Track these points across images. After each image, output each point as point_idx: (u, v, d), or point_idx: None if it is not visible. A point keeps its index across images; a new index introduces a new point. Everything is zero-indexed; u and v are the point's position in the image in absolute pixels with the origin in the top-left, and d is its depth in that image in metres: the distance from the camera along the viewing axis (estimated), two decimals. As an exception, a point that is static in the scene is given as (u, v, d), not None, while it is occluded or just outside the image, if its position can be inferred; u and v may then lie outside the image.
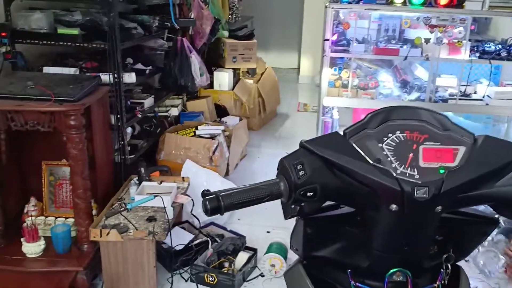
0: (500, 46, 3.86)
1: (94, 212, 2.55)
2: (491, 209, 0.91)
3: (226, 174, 3.66)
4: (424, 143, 0.88)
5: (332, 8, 3.85)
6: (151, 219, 2.37)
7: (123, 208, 2.35)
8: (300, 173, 0.84)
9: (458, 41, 3.74)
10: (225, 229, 2.89)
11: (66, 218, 2.62)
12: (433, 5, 3.74)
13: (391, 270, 0.91)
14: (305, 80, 7.43)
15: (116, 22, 2.61)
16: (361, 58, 4.09)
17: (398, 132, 0.89)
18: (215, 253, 2.54)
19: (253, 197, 0.85)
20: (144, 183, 2.67)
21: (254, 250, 2.64)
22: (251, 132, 4.66)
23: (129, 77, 2.81)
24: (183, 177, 2.89)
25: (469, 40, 3.83)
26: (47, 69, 2.73)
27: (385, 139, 0.89)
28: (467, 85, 3.94)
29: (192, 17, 3.86)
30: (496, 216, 0.95)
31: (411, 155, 0.86)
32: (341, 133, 0.92)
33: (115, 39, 2.60)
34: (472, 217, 0.96)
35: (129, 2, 2.97)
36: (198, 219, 2.85)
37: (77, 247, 2.42)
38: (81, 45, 2.68)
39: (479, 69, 4.10)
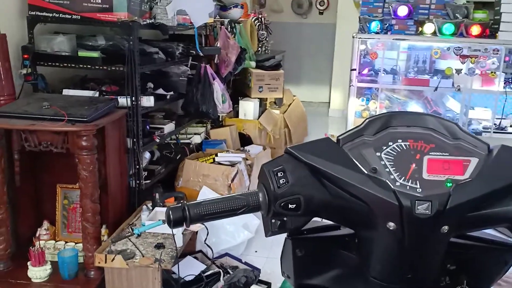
0: (537, 78, 3.69)
1: (105, 238, 2.48)
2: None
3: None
4: (430, 153, 0.75)
5: (359, 38, 3.80)
6: (159, 246, 2.28)
7: (130, 233, 2.27)
8: (281, 181, 0.73)
9: (492, 72, 3.60)
10: (240, 260, 2.76)
11: (76, 243, 2.56)
12: (465, 36, 3.62)
13: None
14: (335, 114, 7.35)
15: (136, 46, 2.60)
16: (389, 88, 3.99)
17: (400, 140, 0.77)
18: (226, 285, 2.41)
19: (226, 208, 0.74)
20: (156, 208, 2.60)
21: (268, 284, 2.50)
22: (276, 163, 4.55)
23: (148, 101, 2.78)
24: (198, 205, 2.79)
25: (504, 72, 3.67)
26: (67, 92, 2.74)
27: (384, 147, 0.76)
28: (502, 118, 3.75)
29: (218, 46, 3.86)
30: None
31: (413, 165, 0.74)
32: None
33: (133, 62, 2.59)
34: (489, 243, 0.82)
35: (151, 28, 2.98)
36: (211, 249, 2.74)
37: (84, 273, 2.35)
38: (101, 68, 2.68)
39: (514, 102, 3.92)
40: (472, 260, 0.82)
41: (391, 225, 0.71)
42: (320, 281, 0.87)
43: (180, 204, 0.73)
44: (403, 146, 0.77)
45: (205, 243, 2.73)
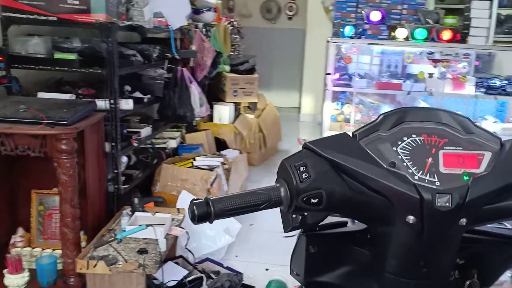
0: (505, 82, 3.82)
1: (83, 244, 2.42)
2: None
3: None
4: (444, 148, 0.77)
5: (334, 42, 3.85)
6: (142, 251, 2.23)
7: (112, 238, 2.21)
8: (303, 176, 0.72)
9: (463, 76, 3.71)
10: (221, 265, 2.74)
11: (53, 250, 2.48)
12: (436, 40, 3.72)
13: None
14: (306, 118, 7.40)
15: (115, 48, 2.56)
16: (363, 92, 4.05)
17: (414, 135, 0.78)
18: (210, 290, 2.38)
19: (248, 203, 0.73)
20: (137, 213, 2.55)
21: (252, 288, 2.48)
22: (252, 168, 4.55)
23: (126, 104, 2.73)
24: (178, 209, 2.76)
25: (474, 76, 3.80)
26: (42, 95, 2.66)
27: (399, 142, 0.77)
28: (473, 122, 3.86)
29: (193, 49, 3.83)
30: None
31: (430, 159, 0.75)
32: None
33: (112, 64, 2.54)
34: (497, 237, 0.84)
35: (129, 30, 2.94)
36: (193, 254, 2.70)
37: (63, 280, 2.28)
38: (78, 70, 2.62)
39: (484, 105, 4.04)
40: (480, 254, 0.84)
41: (411, 218, 0.72)
42: (329, 278, 0.87)
43: (203, 199, 0.72)
44: (418, 141, 0.78)
45: (186, 248, 2.69)
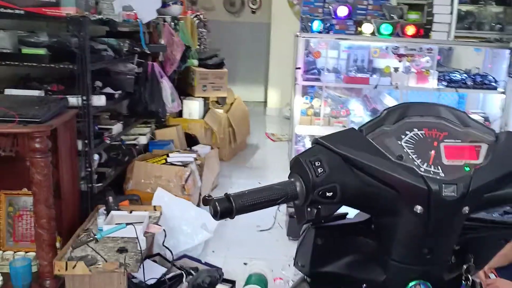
0: (465, 75, 3.97)
1: (57, 245, 2.36)
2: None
3: (198, 205, 3.50)
4: (445, 141, 0.81)
5: (303, 37, 3.88)
6: (122, 250, 2.20)
7: (91, 238, 2.17)
8: (319, 170, 0.75)
9: (426, 70, 3.83)
10: (199, 261, 2.73)
11: (26, 252, 2.41)
12: (401, 35, 3.82)
13: (412, 283, 0.81)
14: (272, 112, 7.44)
15: (87, 42, 2.49)
16: (332, 86, 4.11)
17: (416, 129, 0.82)
18: (190, 287, 2.37)
19: (267, 198, 0.75)
20: (113, 212, 2.50)
21: (233, 283, 2.49)
22: (222, 163, 4.54)
23: (99, 100, 2.67)
24: (154, 206, 2.73)
25: (437, 71, 3.93)
26: (10, 91, 2.56)
27: (403, 136, 0.81)
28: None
29: (162, 43, 3.78)
30: None
31: (433, 152, 0.79)
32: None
33: (84, 59, 2.47)
34: (490, 223, 0.89)
35: (100, 24, 2.87)
36: (171, 251, 2.68)
37: (39, 283, 2.21)
38: (48, 66, 2.53)
39: (445, 98, 4.19)
40: (475, 239, 0.89)
41: (418, 208, 0.75)
42: (334, 268, 0.90)
43: (223, 196, 0.73)
44: (420, 134, 0.82)
45: (163, 245, 2.67)
